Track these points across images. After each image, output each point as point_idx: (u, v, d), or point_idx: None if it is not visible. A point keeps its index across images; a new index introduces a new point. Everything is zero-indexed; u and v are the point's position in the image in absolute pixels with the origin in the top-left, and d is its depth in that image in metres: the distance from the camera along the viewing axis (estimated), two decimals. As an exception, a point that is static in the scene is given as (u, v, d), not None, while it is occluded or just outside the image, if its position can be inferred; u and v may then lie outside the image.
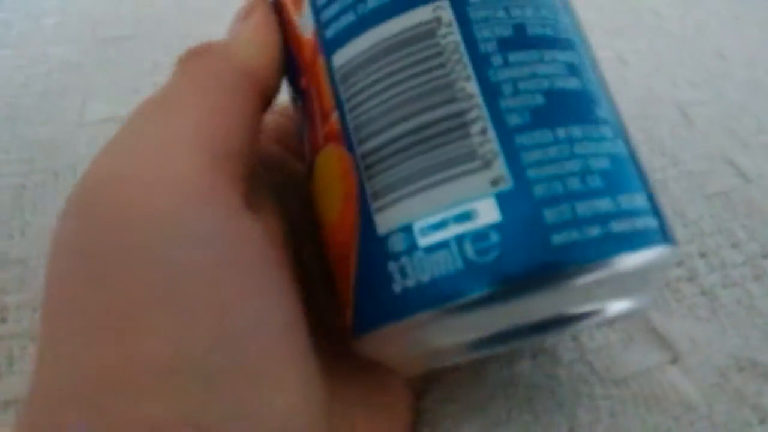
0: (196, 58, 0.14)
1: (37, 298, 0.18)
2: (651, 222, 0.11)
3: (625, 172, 0.11)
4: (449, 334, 0.11)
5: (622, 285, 0.11)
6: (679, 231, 0.20)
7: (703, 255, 0.19)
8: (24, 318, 0.17)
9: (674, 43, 0.29)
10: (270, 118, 0.17)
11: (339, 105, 0.12)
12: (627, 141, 0.12)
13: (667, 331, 0.17)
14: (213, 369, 0.10)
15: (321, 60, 0.13)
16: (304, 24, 0.13)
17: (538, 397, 0.16)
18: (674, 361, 0.17)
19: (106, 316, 0.10)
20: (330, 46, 0.13)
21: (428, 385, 0.16)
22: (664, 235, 0.12)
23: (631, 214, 0.11)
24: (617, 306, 0.12)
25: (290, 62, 0.14)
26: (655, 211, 0.12)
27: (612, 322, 0.12)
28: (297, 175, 0.16)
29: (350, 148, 0.12)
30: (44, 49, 0.27)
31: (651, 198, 0.12)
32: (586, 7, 0.32)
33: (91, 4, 0.30)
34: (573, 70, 0.12)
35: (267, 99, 0.14)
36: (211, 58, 0.13)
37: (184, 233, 0.11)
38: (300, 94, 0.14)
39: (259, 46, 0.14)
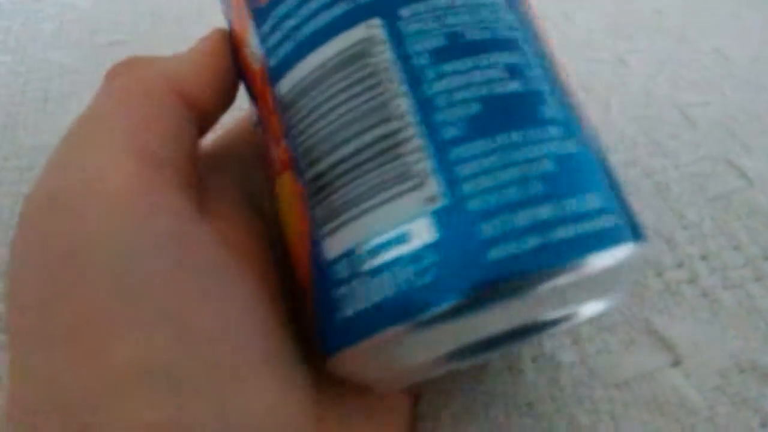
0: (121, 71, 0.14)
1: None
2: (605, 222, 0.11)
3: (574, 172, 0.11)
4: (405, 354, 0.11)
5: (581, 289, 0.11)
6: (679, 233, 0.20)
7: (704, 257, 0.19)
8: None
9: (675, 43, 0.29)
10: (244, 119, 0.17)
11: (286, 133, 0.12)
12: (582, 138, 0.12)
13: (668, 334, 0.17)
14: (185, 371, 0.10)
15: (269, 89, 0.13)
16: (253, 54, 0.13)
17: (538, 400, 0.16)
18: (675, 363, 0.17)
19: (70, 331, 0.10)
20: (274, 74, 0.13)
21: (427, 390, 0.16)
22: (621, 233, 0.11)
23: (579, 217, 0.10)
24: (587, 308, 0.12)
25: (249, 92, 0.14)
26: (613, 209, 0.11)
27: (586, 320, 0.12)
28: None
29: (299, 176, 0.12)
30: (43, 55, 0.27)
31: (608, 196, 0.11)
32: (585, 8, 0.32)
33: (89, 10, 0.30)
34: (514, 71, 0.11)
35: (202, 116, 0.14)
36: (136, 73, 0.14)
37: (134, 244, 0.11)
38: (258, 122, 0.14)
39: (195, 66, 0.14)
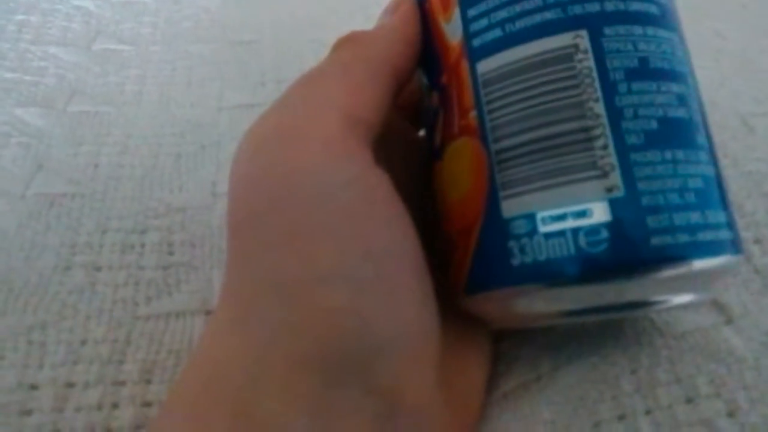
0: (345, 44, 0.17)
1: (195, 238, 0.22)
2: (727, 234, 0.14)
3: (713, 191, 0.14)
4: (549, 304, 0.14)
5: (696, 282, 0.14)
6: (736, 221, 0.23)
7: (757, 241, 0.22)
8: (186, 252, 0.22)
9: (738, 63, 0.32)
10: None
11: (478, 105, 0.15)
12: (716, 165, 0.15)
13: (723, 300, 0.20)
14: (364, 276, 0.13)
15: (465, 64, 0.15)
16: (451, 29, 0.16)
17: (604, 343, 0.19)
18: (728, 322, 0.19)
19: (286, 236, 0.13)
20: (475, 54, 0.15)
21: (505, 332, 0.19)
22: (735, 246, 0.14)
23: (714, 227, 0.14)
24: (686, 297, 0.15)
25: (431, 59, 0.17)
26: (731, 225, 0.14)
27: (677, 309, 0.15)
28: (408, 142, 0.19)
29: (485, 143, 0.14)
30: (185, 48, 0.32)
31: (730, 214, 0.14)
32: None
33: (221, 13, 0.35)
34: (682, 100, 0.14)
35: (401, 83, 0.17)
36: (358, 45, 0.16)
37: (337, 177, 0.14)
38: (437, 88, 0.16)
39: (398, 39, 0.17)
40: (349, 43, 0.17)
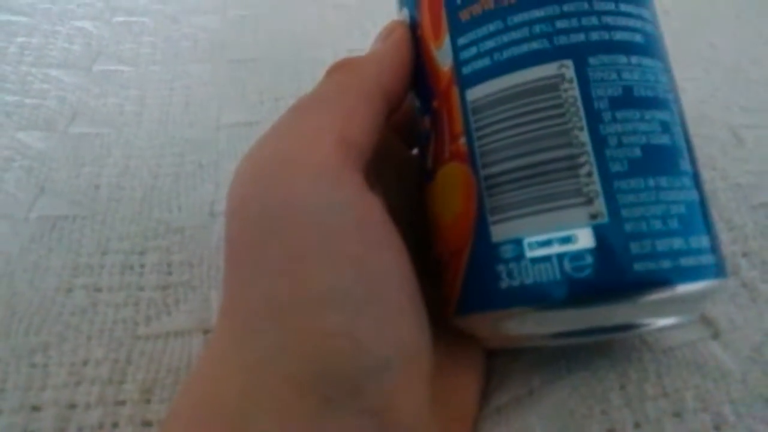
0: (339, 69, 0.17)
1: (194, 257, 0.23)
2: (710, 259, 0.14)
3: (697, 217, 0.14)
4: (537, 326, 0.15)
5: (680, 305, 0.15)
6: (724, 234, 0.23)
7: (745, 255, 0.22)
8: (185, 272, 0.22)
9: (729, 74, 0.32)
10: None
11: (468, 132, 0.15)
12: (701, 189, 0.15)
13: (710, 314, 0.20)
14: (357, 299, 0.14)
15: (455, 91, 0.15)
16: (442, 56, 0.16)
17: (594, 359, 0.19)
18: (715, 336, 0.20)
19: (281, 260, 0.14)
20: (465, 81, 0.15)
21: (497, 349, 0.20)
22: (718, 269, 0.15)
23: (697, 252, 0.14)
24: (671, 320, 0.15)
25: (423, 83, 0.17)
26: (715, 249, 0.15)
27: (663, 331, 0.16)
28: (401, 161, 0.20)
29: (474, 169, 0.15)
30: (183, 67, 0.33)
31: (713, 239, 0.15)
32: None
33: (220, 32, 0.36)
34: (666, 127, 0.14)
35: (392, 107, 0.17)
36: (350, 71, 0.17)
37: (330, 202, 0.14)
38: (429, 112, 0.17)
39: (391, 65, 0.17)
40: (341, 68, 0.17)
